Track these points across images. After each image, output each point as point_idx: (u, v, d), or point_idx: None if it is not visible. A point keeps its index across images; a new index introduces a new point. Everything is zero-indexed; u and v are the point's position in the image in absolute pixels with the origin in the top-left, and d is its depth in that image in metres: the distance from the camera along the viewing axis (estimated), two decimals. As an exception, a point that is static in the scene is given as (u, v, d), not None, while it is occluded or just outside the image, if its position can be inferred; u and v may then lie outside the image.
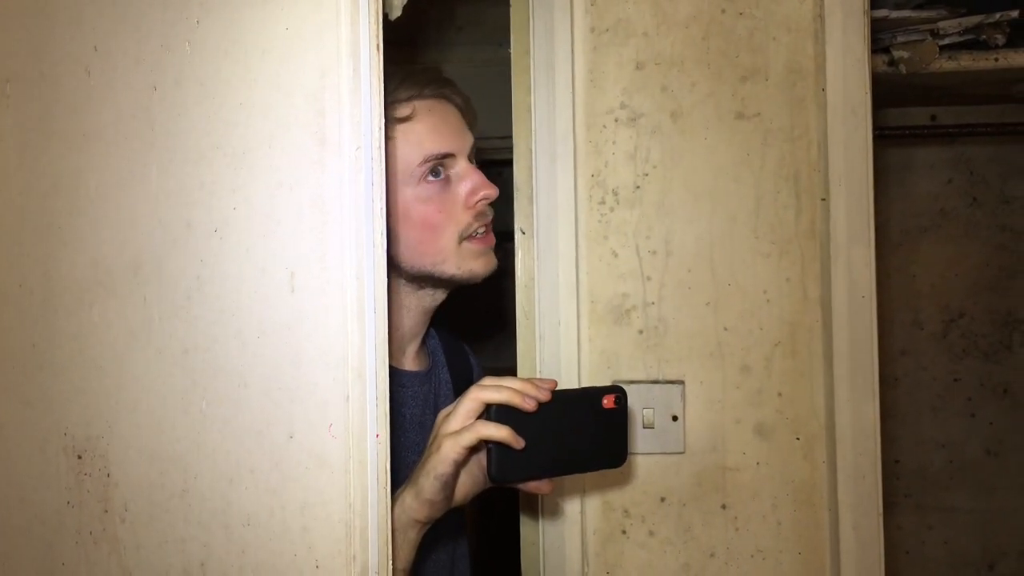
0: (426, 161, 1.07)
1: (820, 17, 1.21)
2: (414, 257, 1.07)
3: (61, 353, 0.86)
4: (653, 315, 1.24)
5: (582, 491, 1.25)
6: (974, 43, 1.65)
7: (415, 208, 1.07)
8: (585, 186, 1.26)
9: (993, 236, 2.33)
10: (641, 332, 1.25)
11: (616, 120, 1.26)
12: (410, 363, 1.19)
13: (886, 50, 1.65)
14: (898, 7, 1.60)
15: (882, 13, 1.56)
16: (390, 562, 0.73)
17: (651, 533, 1.24)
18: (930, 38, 1.62)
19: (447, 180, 1.09)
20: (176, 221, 0.80)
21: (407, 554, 0.91)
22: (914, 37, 1.63)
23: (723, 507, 1.23)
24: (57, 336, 0.87)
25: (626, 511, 1.24)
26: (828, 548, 1.21)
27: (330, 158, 0.73)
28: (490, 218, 1.11)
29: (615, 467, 0.97)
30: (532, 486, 0.94)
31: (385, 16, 0.79)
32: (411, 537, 0.91)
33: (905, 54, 1.63)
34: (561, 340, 1.24)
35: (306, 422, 0.74)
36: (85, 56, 0.85)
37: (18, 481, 0.89)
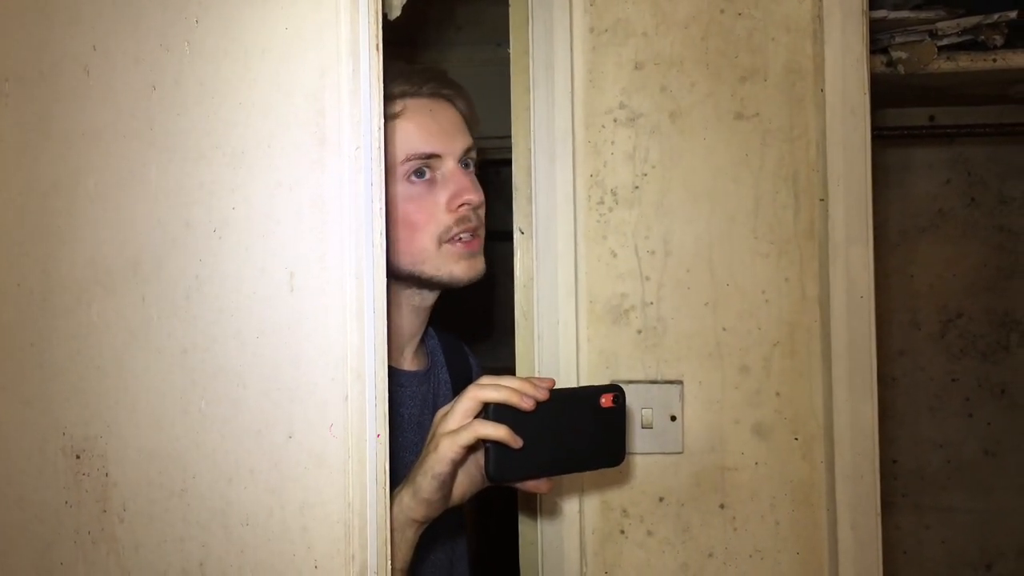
0: (408, 160, 1.06)
1: (819, 17, 1.22)
2: (395, 256, 1.07)
3: (60, 352, 0.86)
4: (652, 315, 1.25)
5: (580, 491, 1.25)
6: (972, 44, 1.65)
7: (397, 206, 1.06)
8: (584, 186, 1.26)
9: (991, 236, 2.33)
10: (640, 332, 1.25)
11: (615, 120, 1.26)
12: (408, 363, 1.19)
13: (884, 51, 1.65)
14: (896, 8, 1.61)
15: (881, 14, 1.56)
16: (389, 562, 0.73)
17: (649, 533, 1.24)
18: (928, 39, 1.62)
19: (432, 181, 1.08)
20: (175, 221, 0.80)
21: (405, 553, 0.91)
22: (912, 38, 1.63)
23: (721, 507, 1.23)
24: (56, 335, 0.87)
25: (624, 511, 1.24)
26: (826, 548, 1.21)
27: (330, 158, 0.73)
28: (474, 223, 1.10)
29: (613, 466, 0.97)
30: (530, 485, 0.94)
31: (384, 16, 0.79)
32: (409, 536, 0.91)
33: (904, 55, 1.63)
34: (560, 340, 1.24)
35: (305, 422, 0.74)
36: (84, 55, 0.85)
37: (16, 481, 0.89)
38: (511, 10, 1.31)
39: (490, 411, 0.89)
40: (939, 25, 1.61)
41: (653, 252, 1.25)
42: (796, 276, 1.23)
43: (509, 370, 1.29)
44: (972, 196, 2.34)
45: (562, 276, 1.24)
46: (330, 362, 0.72)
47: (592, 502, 1.25)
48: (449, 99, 1.14)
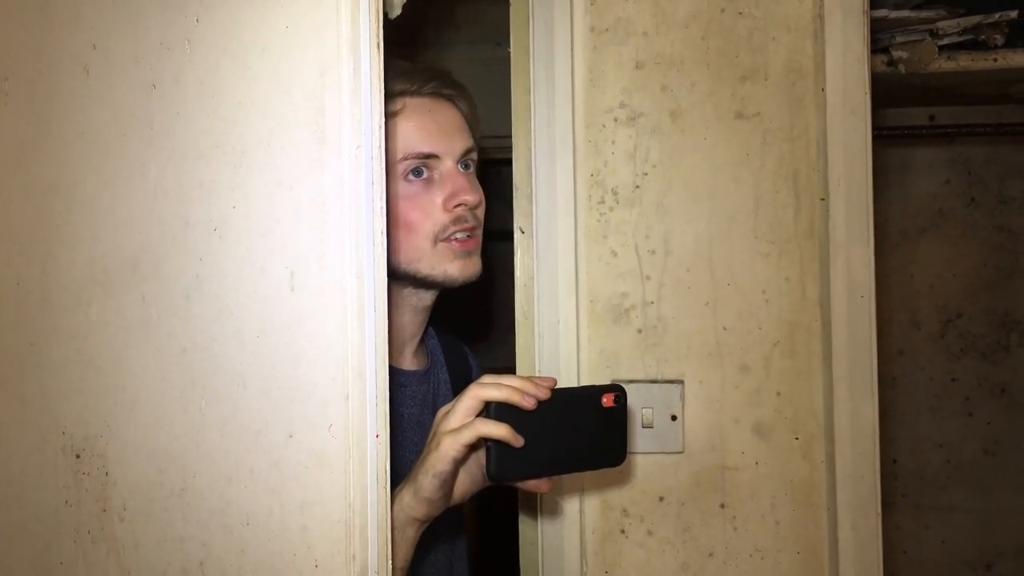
0: (405, 159, 1.06)
1: (820, 17, 1.21)
2: (392, 255, 1.07)
3: (59, 352, 0.86)
4: (652, 314, 1.24)
5: (581, 490, 1.24)
6: (973, 43, 1.65)
7: (393, 204, 1.06)
8: (584, 185, 1.26)
9: (991, 236, 2.33)
10: (640, 331, 1.25)
11: (615, 119, 1.26)
12: (408, 363, 1.18)
13: (885, 50, 1.65)
14: (897, 7, 1.61)
15: (881, 13, 1.56)
16: (389, 562, 0.73)
17: (650, 532, 1.24)
18: (929, 38, 1.62)
19: (429, 181, 1.08)
20: (175, 219, 0.80)
21: (406, 552, 0.91)
22: (913, 37, 1.63)
23: (722, 506, 1.23)
24: (55, 335, 0.86)
25: (625, 510, 1.24)
26: (827, 548, 1.21)
27: (330, 157, 0.73)
28: (470, 223, 1.09)
29: (614, 466, 0.97)
30: (531, 485, 0.94)
31: (385, 15, 0.79)
32: (409, 535, 0.91)
33: (904, 54, 1.63)
34: (560, 339, 1.24)
35: (305, 421, 0.73)
36: (84, 54, 0.84)
37: (16, 480, 0.89)
38: (511, 9, 1.31)
39: (492, 410, 0.88)
40: (940, 24, 1.61)
41: (653, 251, 1.25)
42: (796, 276, 1.23)
43: (508, 370, 1.29)
44: (972, 196, 2.34)
45: (563, 275, 1.24)
46: (330, 361, 0.72)
47: (592, 502, 1.25)
48: (450, 99, 1.13)
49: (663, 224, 1.25)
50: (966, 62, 1.64)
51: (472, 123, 1.16)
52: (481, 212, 1.13)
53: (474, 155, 1.14)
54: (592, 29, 1.26)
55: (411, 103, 1.08)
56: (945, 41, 1.63)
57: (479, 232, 1.13)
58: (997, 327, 2.32)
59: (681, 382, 1.24)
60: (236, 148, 0.77)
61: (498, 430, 0.87)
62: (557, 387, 0.92)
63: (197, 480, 0.78)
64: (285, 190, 0.75)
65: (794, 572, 1.22)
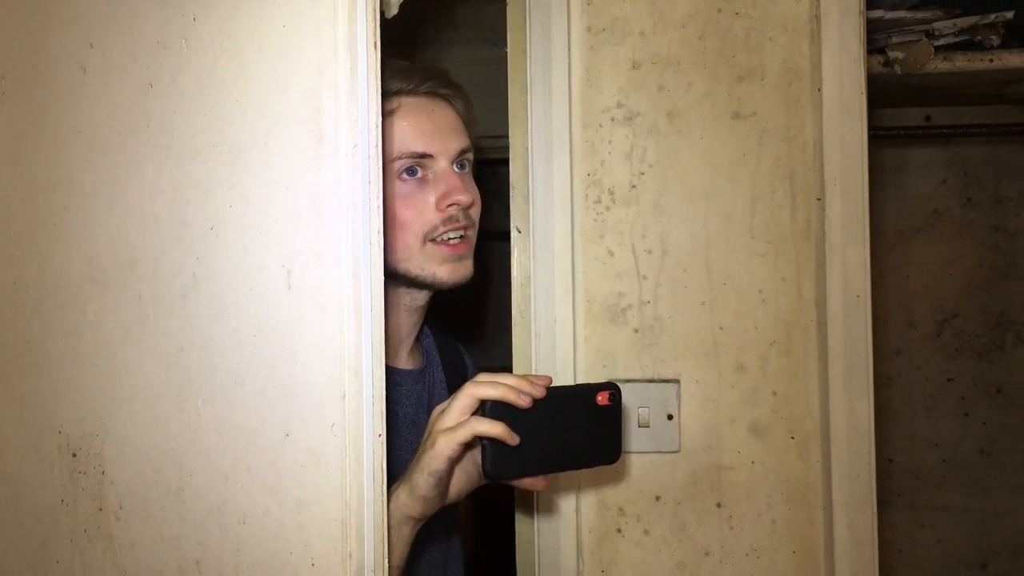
0: (399, 157, 1.06)
1: (816, 17, 1.22)
2: (386, 253, 1.06)
3: (55, 350, 0.86)
4: (649, 314, 1.25)
5: (577, 489, 1.25)
6: (969, 44, 1.65)
7: (388, 203, 1.05)
8: (581, 185, 1.26)
9: (987, 236, 2.34)
10: (637, 331, 1.25)
11: (612, 119, 1.26)
12: (404, 361, 1.18)
13: (881, 51, 1.66)
14: (893, 8, 1.61)
15: (878, 14, 1.57)
16: (386, 560, 0.73)
17: (646, 532, 1.24)
18: (925, 39, 1.63)
19: (423, 180, 1.08)
20: (172, 218, 0.80)
21: (401, 550, 0.91)
22: (909, 38, 1.63)
23: (718, 506, 1.23)
24: (51, 333, 0.86)
25: (621, 510, 1.25)
26: (822, 547, 1.21)
27: (327, 156, 0.73)
28: (462, 223, 1.09)
29: (609, 464, 0.97)
30: (527, 483, 0.94)
31: (382, 14, 0.79)
32: (405, 533, 0.91)
33: (900, 55, 1.64)
34: (557, 339, 1.24)
35: (302, 420, 0.73)
36: (81, 53, 0.84)
37: (12, 479, 0.89)
38: (508, 9, 1.31)
39: (487, 408, 0.88)
40: (936, 25, 1.61)
41: (650, 251, 1.25)
42: (793, 275, 1.23)
43: (503, 370, 1.29)
44: (968, 196, 2.34)
45: (559, 275, 1.24)
46: (327, 360, 0.72)
47: (589, 501, 1.25)
48: (447, 99, 1.13)
49: (660, 224, 1.25)
50: (962, 63, 1.65)
51: (468, 123, 1.15)
52: (475, 212, 1.12)
53: (470, 155, 1.14)
54: (589, 29, 1.26)
55: (407, 102, 1.08)
56: (941, 42, 1.63)
57: (472, 233, 1.12)
58: (993, 327, 2.33)
59: (677, 381, 1.24)
60: (233, 147, 0.77)
61: (493, 428, 0.87)
62: (552, 385, 0.92)
63: (194, 479, 0.78)
64: (282, 189, 0.75)
65: (790, 571, 1.22)
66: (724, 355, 1.24)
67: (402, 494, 0.90)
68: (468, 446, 0.90)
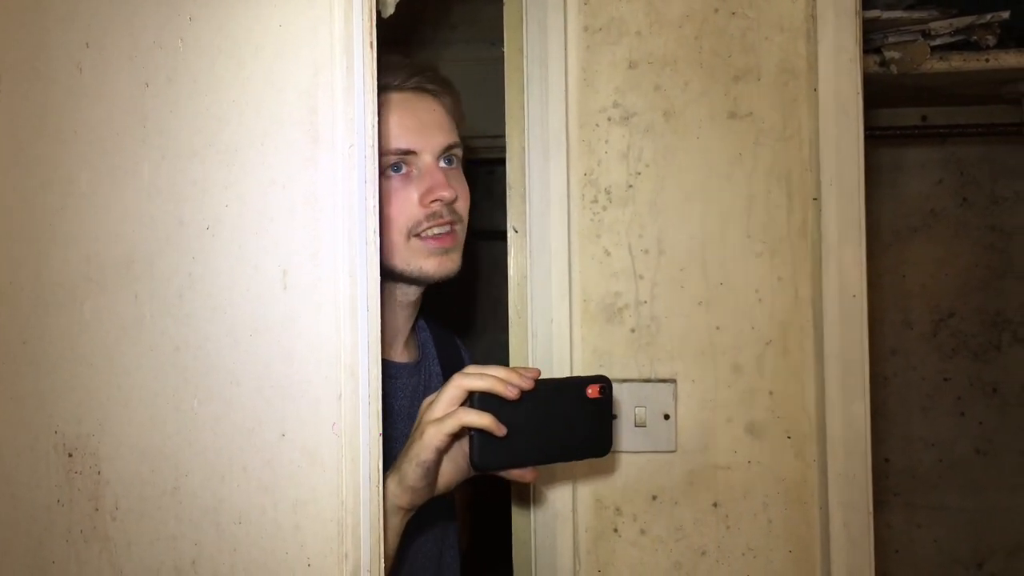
0: (383, 154, 1.06)
1: (812, 17, 1.22)
2: None
3: (52, 350, 0.86)
4: (645, 314, 1.25)
5: (574, 489, 1.25)
6: (965, 44, 1.65)
7: None
8: (578, 184, 1.26)
9: (983, 236, 2.34)
10: (633, 331, 1.25)
11: (609, 119, 1.26)
12: (399, 355, 1.19)
13: (878, 50, 1.66)
14: (889, 8, 1.61)
15: (874, 14, 1.57)
16: (382, 560, 0.73)
17: (643, 531, 1.24)
18: (921, 39, 1.63)
19: (408, 176, 1.08)
20: (168, 218, 0.80)
21: (391, 541, 0.91)
22: (905, 38, 1.63)
23: (714, 505, 1.23)
24: (48, 333, 0.86)
25: (618, 509, 1.25)
26: (819, 546, 1.21)
27: (323, 155, 0.73)
28: (446, 218, 1.09)
29: (599, 456, 0.98)
30: (515, 474, 0.95)
31: (378, 14, 0.79)
32: (395, 524, 0.92)
33: (896, 55, 1.64)
34: (553, 338, 1.24)
35: (298, 420, 0.73)
36: (78, 52, 0.84)
37: (8, 479, 0.89)
38: (505, 9, 1.31)
39: (475, 399, 0.89)
40: (932, 25, 1.61)
41: (647, 251, 1.25)
42: (789, 275, 1.23)
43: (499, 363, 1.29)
44: (964, 196, 2.35)
45: (556, 275, 1.24)
46: (323, 360, 0.72)
47: (585, 500, 1.25)
48: (434, 94, 1.13)
49: (656, 224, 1.25)
50: (958, 62, 1.65)
51: (457, 119, 1.16)
52: (462, 207, 1.12)
53: (457, 151, 1.14)
54: (586, 29, 1.26)
55: (393, 98, 1.08)
56: (937, 42, 1.64)
57: (459, 228, 1.12)
58: (989, 327, 2.33)
59: (674, 381, 1.24)
60: (230, 147, 0.77)
61: (480, 419, 0.88)
62: (542, 378, 0.92)
63: (190, 479, 0.78)
64: (278, 189, 0.75)
65: (786, 571, 1.22)
66: (721, 355, 1.24)
67: (391, 484, 0.90)
68: (456, 437, 0.90)
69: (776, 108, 1.24)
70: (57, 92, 0.86)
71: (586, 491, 1.25)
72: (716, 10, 1.25)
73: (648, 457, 1.25)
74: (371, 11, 0.73)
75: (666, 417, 1.24)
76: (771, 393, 1.23)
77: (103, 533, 0.83)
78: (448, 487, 0.95)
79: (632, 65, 1.26)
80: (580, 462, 1.20)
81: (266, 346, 0.75)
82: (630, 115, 1.26)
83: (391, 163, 1.07)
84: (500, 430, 0.88)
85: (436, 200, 1.08)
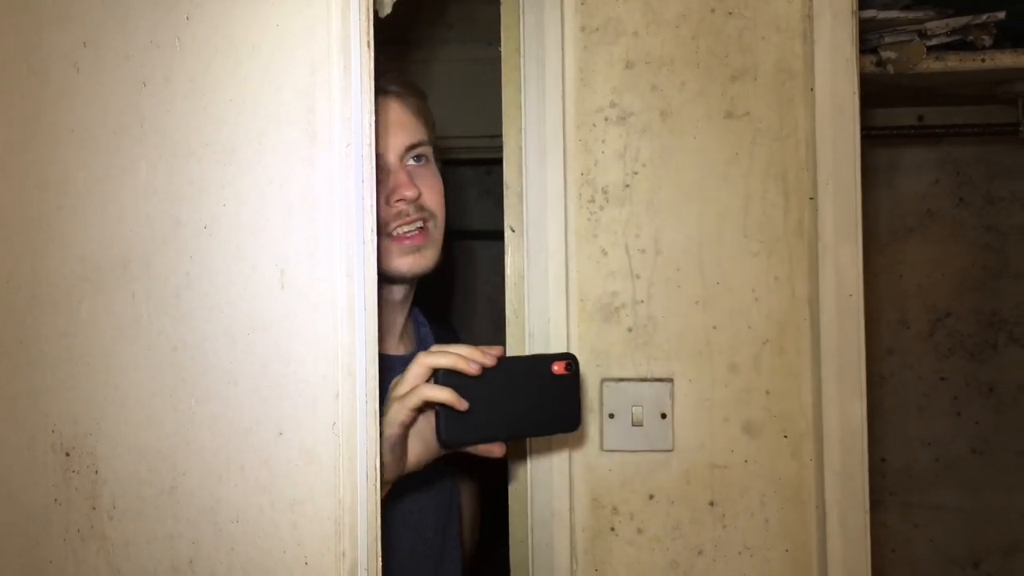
0: None
1: (809, 17, 1.22)
2: None
3: (49, 350, 0.86)
4: (642, 313, 1.25)
5: (571, 488, 1.25)
6: (961, 44, 1.66)
7: None
8: (575, 184, 1.26)
9: (979, 236, 2.34)
10: (630, 330, 1.25)
11: (606, 119, 1.26)
12: (394, 348, 1.21)
13: (874, 51, 1.66)
14: (886, 8, 1.61)
15: (870, 14, 1.57)
16: (379, 559, 0.74)
17: (639, 530, 1.24)
18: (917, 39, 1.63)
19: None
20: (165, 217, 0.80)
21: None
22: (902, 38, 1.64)
23: (711, 504, 1.24)
24: (45, 333, 0.86)
25: (615, 508, 1.25)
26: (815, 545, 1.22)
27: (320, 155, 0.73)
28: (413, 217, 1.12)
29: (568, 432, 1.02)
30: (483, 449, 0.98)
31: (376, 13, 0.79)
32: None
33: (893, 55, 1.64)
34: (550, 338, 1.24)
35: (296, 419, 0.73)
36: (74, 52, 0.84)
37: (5, 478, 0.89)
38: (502, 8, 1.31)
39: (439, 376, 0.92)
40: (928, 25, 1.62)
41: (643, 251, 1.25)
42: (786, 275, 1.24)
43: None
44: (960, 196, 2.35)
45: (553, 274, 1.24)
46: (320, 359, 0.72)
47: (582, 499, 1.25)
48: (397, 95, 1.15)
49: (653, 223, 1.25)
50: (954, 63, 1.65)
51: (424, 118, 1.18)
52: (432, 203, 1.15)
53: (423, 149, 1.16)
54: (583, 29, 1.26)
55: None
56: (933, 42, 1.64)
57: (432, 224, 1.16)
58: (985, 326, 2.34)
59: (671, 380, 1.24)
60: (227, 146, 0.77)
61: (441, 393, 0.91)
62: (510, 356, 0.96)
63: (187, 478, 0.78)
64: (276, 188, 0.75)
65: (783, 570, 1.22)
66: (717, 354, 1.24)
67: None
68: (421, 411, 0.93)
69: (773, 108, 1.24)
70: (53, 91, 0.86)
71: (583, 490, 1.25)
72: (713, 10, 1.25)
73: (645, 456, 1.25)
74: (368, 10, 0.74)
75: (663, 416, 1.24)
76: (768, 392, 1.23)
77: (100, 532, 0.82)
78: (418, 464, 0.98)
79: (629, 65, 1.26)
80: (580, 462, 1.21)
81: (264, 345, 0.75)
82: (627, 115, 1.26)
83: None
84: (461, 404, 0.91)
85: (400, 199, 1.11)
